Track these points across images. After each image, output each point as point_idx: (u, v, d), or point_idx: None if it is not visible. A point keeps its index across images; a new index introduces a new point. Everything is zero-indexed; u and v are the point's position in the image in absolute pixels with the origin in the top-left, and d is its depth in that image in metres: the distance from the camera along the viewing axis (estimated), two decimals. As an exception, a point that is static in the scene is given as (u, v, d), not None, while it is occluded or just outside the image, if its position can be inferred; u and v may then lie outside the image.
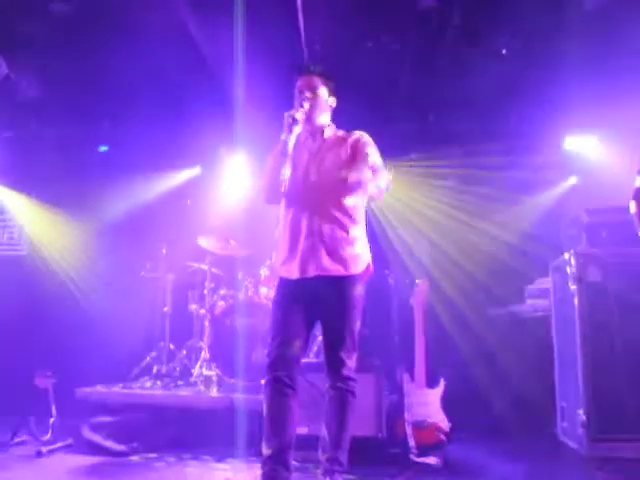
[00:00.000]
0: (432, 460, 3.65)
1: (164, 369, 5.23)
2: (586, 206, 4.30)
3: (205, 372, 4.77)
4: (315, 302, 2.81)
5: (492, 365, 5.00)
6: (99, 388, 4.75)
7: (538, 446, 4.32)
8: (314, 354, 4.82)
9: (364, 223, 2.99)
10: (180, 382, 5.00)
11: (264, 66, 4.74)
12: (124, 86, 5.41)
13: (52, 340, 5.79)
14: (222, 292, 5.20)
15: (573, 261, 4.06)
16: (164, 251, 5.65)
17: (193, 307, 5.42)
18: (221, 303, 5.03)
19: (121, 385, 4.87)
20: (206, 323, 5.04)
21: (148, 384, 4.96)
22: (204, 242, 5.25)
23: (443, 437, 3.76)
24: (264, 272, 5.06)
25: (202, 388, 4.66)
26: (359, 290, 2.84)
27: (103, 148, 6.73)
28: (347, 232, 2.85)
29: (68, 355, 5.44)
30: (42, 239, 6.74)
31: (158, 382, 5.00)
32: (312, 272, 2.79)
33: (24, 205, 6.90)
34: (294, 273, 2.83)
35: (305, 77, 3.00)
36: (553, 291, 4.51)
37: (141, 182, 6.31)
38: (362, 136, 3.00)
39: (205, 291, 5.35)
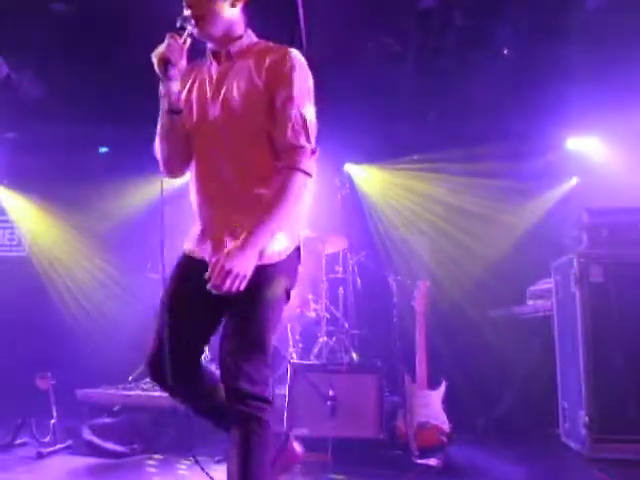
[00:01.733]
0: (433, 462, 3.63)
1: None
2: (587, 206, 4.29)
3: (205, 373, 4.75)
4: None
5: (493, 366, 4.99)
6: (99, 389, 4.74)
7: (540, 447, 4.30)
8: (314, 355, 4.81)
9: None
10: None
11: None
12: (128, 87, 5.40)
13: (52, 341, 5.79)
14: (223, 293, 5.17)
15: (575, 262, 4.05)
16: (166, 252, 5.62)
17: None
18: (222, 304, 5.01)
19: (121, 386, 4.85)
20: (207, 324, 5.01)
21: (148, 385, 4.95)
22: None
23: (444, 439, 3.75)
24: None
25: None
26: (276, 283, 1.93)
27: (103, 149, 6.73)
28: (255, 201, 1.91)
29: (68, 356, 5.43)
30: (42, 240, 6.74)
31: (158, 383, 4.99)
32: (207, 253, 2.00)
33: (24, 206, 6.90)
34: (196, 251, 2.06)
35: None
36: (555, 292, 4.50)
37: (144, 183, 6.29)
38: (286, 61, 1.95)
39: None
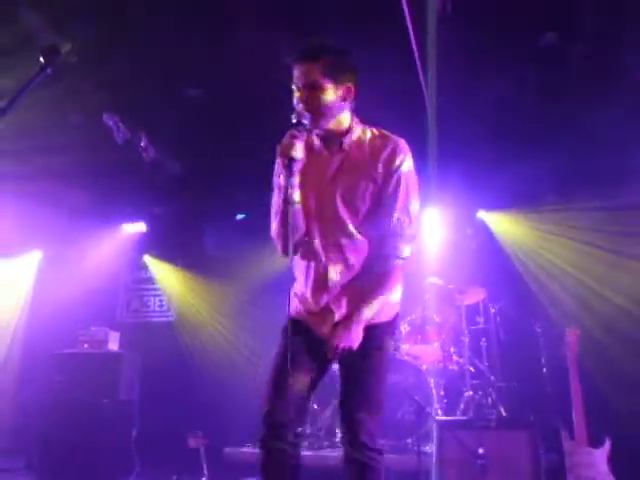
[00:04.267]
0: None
1: (309, 429, 5.24)
2: None
3: (349, 432, 4.70)
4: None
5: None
6: (246, 448, 4.84)
7: None
8: (460, 411, 4.61)
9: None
10: (325, 443, 4.96)
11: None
12: (257, 159, 5.75)
13: (202, 401, 6.05)
14: (363, 350, 5.16)
15: None
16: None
17: (335, 366, 5.40)
18: (362, 361, 4.98)
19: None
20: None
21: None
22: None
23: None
24: (405, 328, 5.01)
25: (347, 448, 4.59)
26: (383, 340, 2.23)
27: (240, 216, 7.13)
28: (367, 281, 2.19)
29: (217, 415, 5.62)
30: (189, 304, 7.17)
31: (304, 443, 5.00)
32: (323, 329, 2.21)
33: (171, 273, 7.42)
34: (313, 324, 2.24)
35: (300, 66, 2.12)
36: None
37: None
38: (397, 154, 2.16)
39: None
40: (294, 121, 2.09)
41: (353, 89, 2.17)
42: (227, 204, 6.98)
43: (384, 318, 2.21)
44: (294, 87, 2.14)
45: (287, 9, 4.07)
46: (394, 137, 2.20)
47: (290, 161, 2.04)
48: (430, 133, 4.85)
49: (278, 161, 2.14)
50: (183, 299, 7.30)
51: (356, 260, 2.17)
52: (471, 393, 4.65)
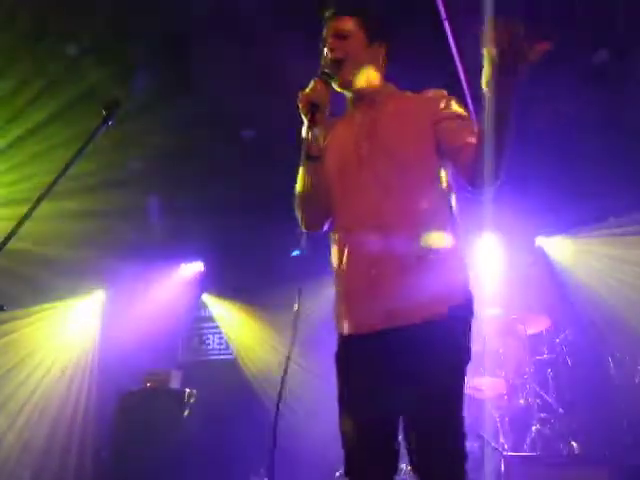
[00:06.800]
0: None
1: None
2: None
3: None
4: (390, 372, 1.75)
5: None
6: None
7: None
8: (528, 446, 4.43)
9: (454, 224, 1.86)
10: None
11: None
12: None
13: (262, 440, 6.02)
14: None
15: None
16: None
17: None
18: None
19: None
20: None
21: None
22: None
23: None
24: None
25: None
26: (462, 335, 1.74)
27: (295, 252, 7.18)
28: (430, 246, 1.75)
29: (280, 454, 5.58)
30: (247, 341, 7.22)
31: None
32: (379, 322, 1.77)
33: (229, 311, 7.52)
34: (351, 326, 1.86)
35: (332, 21, 1.93)
36: None
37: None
38: (442, 93, 1.91)
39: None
40: (319, 72, 1.89)
41: (384, 51, 1.99)
42: (282, 241, 7.05)
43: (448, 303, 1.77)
44: (324, 43, 1.95)
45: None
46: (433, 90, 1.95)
47: (313, 107, 1.80)
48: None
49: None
50: (242, 336, 7.36)
51: (402, 219, 1.81)
52: (539, 427, 4.47)
